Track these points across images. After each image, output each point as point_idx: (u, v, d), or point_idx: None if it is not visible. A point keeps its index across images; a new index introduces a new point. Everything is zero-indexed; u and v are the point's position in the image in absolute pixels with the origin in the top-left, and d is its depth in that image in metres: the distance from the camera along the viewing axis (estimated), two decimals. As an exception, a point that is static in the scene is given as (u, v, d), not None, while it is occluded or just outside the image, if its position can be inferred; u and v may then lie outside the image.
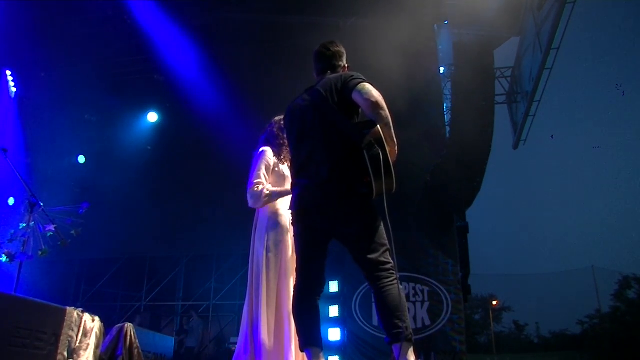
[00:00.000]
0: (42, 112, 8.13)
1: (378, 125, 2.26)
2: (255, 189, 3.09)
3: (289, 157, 3.27)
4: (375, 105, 2.30)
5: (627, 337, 16.00)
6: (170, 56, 8.25)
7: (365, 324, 8.22)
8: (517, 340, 26.06)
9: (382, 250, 2.29)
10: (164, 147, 9.72)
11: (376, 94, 2.32)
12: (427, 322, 8.11)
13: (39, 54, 7.46)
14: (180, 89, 8.53)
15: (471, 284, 9.97)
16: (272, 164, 3.18)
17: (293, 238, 2.56)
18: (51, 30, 7.33)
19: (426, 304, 8.20)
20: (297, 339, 2.81)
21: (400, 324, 2.14)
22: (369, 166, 2.19)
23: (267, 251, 3.03)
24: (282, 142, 3.25)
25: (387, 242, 2.33)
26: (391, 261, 2.29)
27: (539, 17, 7.44)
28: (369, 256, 2.27)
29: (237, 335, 10.78)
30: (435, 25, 7.95)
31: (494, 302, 25.52)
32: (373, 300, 2.28)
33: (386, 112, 2.31)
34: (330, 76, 2.58)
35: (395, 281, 2.24)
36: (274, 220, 3.12)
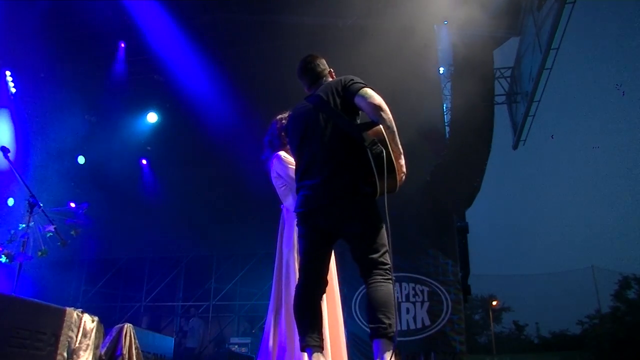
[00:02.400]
0: (41, 112, 8.12)
1: (380, 125, 2.32)
2: None
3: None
4: (378, 107, 2.36)
5: (627, 337, 15.98)
6: (169, 56, 8.25)
7: (364, 323, 8.21)
8: (517, 340, 26.03)
9: (382, 251, 2.32)
10: (164, 148, 9.72)
11: (378, 98, 2.38)
12: (427, 323, 8.10)
13: (39, 54, 7.45)
14: (180, 89, 8.53)
15: (471, 284, 9.98)
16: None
17: (298, 239, 2.57)
18: (51, 31, 7.33)
19: (426, 304, 8.20)
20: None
21: (384, 320, 2.15)
22: (373, 164, 2.23)
23: (297, 253, 3.03)
24: (284, 141, 3.24)
25: (387, 243, 2.34)
26: (389, 262, 2.31)
27: (538, 18, 7.44)
28: (370, 255, 2.29)
29: (237, 336, 10.62)
30: (435, 26, 7.96)
31: (494, 302, 25.50)
32: (366, 302, 2.29)
33: (389, 115, 2.36)
34: (329, 81, 2.66)
35: (390, 281, 2.26)
36: None
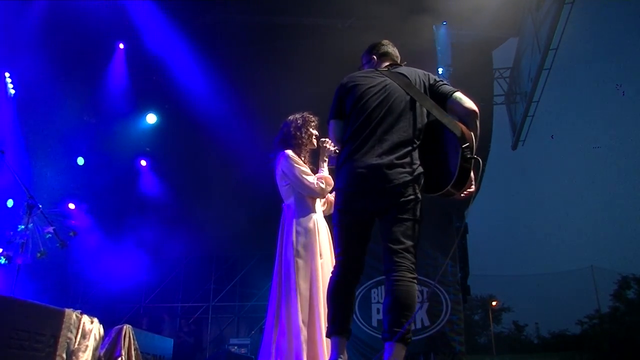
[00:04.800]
0: (40, 113, 8.12)
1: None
2: (316, 184, 3.13)
3: (307, 157, 3.31)
4: (476, 114, 2.33)
5: (627, 337, 16.00)
6: (169, 57, 8.24)
7: (364, 324, 8.21)
8: (516, 340, 26.03)
9: (414, 247, 2.25)
10: (163, 149, 9.72)
11: (473, 103, 2.36)
12: (427, 323, 8.12)
13: (38, 55, 7.44)
14: (180, 90, 8.53)
15: (470, 285, 9.99)
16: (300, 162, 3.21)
17: (334, 227, 2.42)
18: (50, 31, 7.32)
19: (425, 305, 8.21)
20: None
21: (405, 325, 2.10)
22: (459, 163, 2.20)
23: (297, 256, 3.01)
24: (300, 141, 3.26)
25: (417, 244, 2.28)
26: (415, 261, 2.23)
27: (537, 18, 7.46)
28: (403, 245, 2.22)
29: (236, 337, 10.62)
30: (434, 26, 7.96)
31: (494, 303, 25.50)
32: (385, 297, 2.21)
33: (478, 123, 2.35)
34: (412, 68, 2.58)
35: (415, 281, 2.19)
36: (302, 224, 3.11)
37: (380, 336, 2.18)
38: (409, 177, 2.25)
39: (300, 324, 2.86)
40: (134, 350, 3.75)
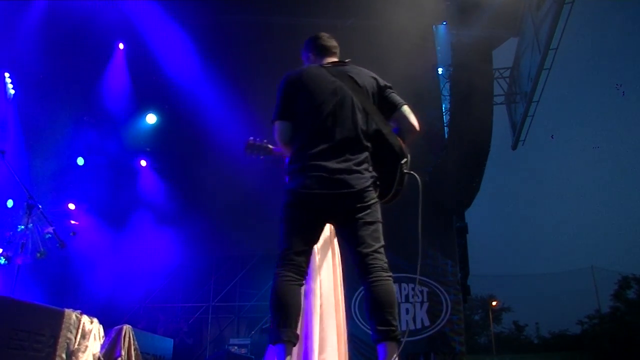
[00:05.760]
0: (40, 113, 8.12)
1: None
2: None
3: None
4: (417, 133, 2.39)
5: (627, 337, 16.00)
6: (169, 57, 8.24)
7: (364, 324, 8.20)
8: (516, 340, 26.05)
9: (383, 249, 2.26)
10: (163, 149, 9.72)
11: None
12: (427, 323, 8.10)
13: (38, 55, 7.44)
14: (179, 90, 8.53)
15: (470, 285, 9.99)
16: None
17: (280, 224, 2.36)
18: (50, 31, 7.32)
19: (425, 305, 8.20)
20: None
21: (393, 322, 2.09)
22: (397, 178, 2.30)
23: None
24: None
25: (384, 245, 2.28)
26: (387, 260, 2.24)
27: (537, 18, 7.46)
28: (374, 249, 2.22)
29: (236, 337, 10.53)
30: (434, 26, 7.97)
31: (494, 303, 25.52)
32: (365, 301, 2.22)
33: None
34: (359, 68, 2.52)
35: (390, 278, 2.19)
36: None
37: (379, 336, 2.17)
38: (368, 182, 2.27)
39: (315, 330, 2.78)
40: (134, 350, 3.75)
